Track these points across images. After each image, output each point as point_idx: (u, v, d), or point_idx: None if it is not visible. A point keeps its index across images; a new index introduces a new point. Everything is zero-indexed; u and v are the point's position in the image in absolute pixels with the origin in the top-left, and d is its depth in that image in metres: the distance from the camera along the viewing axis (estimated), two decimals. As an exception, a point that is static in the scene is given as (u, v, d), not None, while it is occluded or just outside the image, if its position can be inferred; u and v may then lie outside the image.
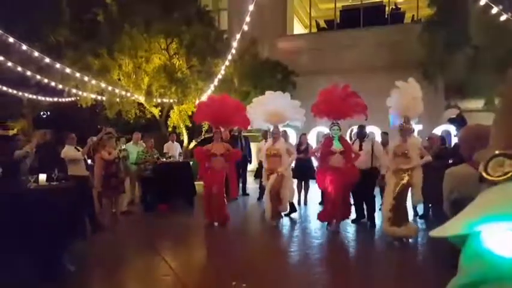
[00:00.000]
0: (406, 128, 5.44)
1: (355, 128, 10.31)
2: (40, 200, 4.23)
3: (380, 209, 6.10)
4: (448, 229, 0.61)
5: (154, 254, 5.04)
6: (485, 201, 0.63)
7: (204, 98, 12.24)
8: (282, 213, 6.76)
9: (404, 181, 5.31)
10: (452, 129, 10.43)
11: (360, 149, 6.30)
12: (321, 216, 6.16)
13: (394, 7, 15.68)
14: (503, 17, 8.85)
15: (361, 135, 6.56)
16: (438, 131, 10.44)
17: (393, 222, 5.30)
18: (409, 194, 5.45)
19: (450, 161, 6.34)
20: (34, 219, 4.00)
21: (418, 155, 5.39)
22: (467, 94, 11.51)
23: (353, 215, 6.51)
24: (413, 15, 14.95)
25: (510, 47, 9.31)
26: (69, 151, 6.08)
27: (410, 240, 5.47)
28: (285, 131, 7.21)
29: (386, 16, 15.22)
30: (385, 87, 5.89)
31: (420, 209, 7.03)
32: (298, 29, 17.69)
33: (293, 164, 7.12)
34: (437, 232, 0.62)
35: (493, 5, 8.79)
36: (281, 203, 6.44)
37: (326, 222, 6.18)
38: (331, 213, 6.00)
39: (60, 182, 4.82)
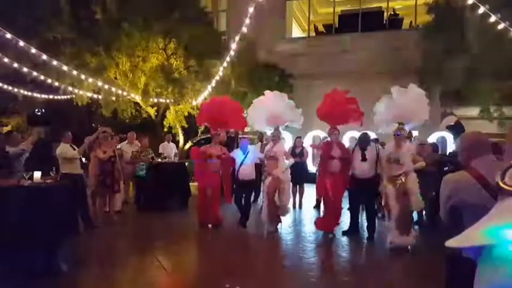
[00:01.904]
0: (401, 135, 5.44)
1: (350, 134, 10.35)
2: (33, 197, 4.16)
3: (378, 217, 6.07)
4: (469, 239, 0.57)
5: (147, 254, 5.00)
6: (510, 208, 0.60)
7: (201, 98, 12.22)
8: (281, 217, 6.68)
9: (398, 186, 5.30)
10: (448, 136, 10.45)
11: (363, 158, 5.85)
12: (319, 224, 6.11)
13: (392, 13, 15.72)
14: (501, 26, 8.89)
15: (365, 143, 5.97)
16: (434, 137, 10.47)
17: (399, 231, 5.28)
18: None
19: (446, 168, 6.35)
20: (27, 217, 3.94)
21: (411, 161, 5.39)
22: (464, 101, 11.56)
23: (345, 225, 6.41)
24: (411, 22, 15.00)
25: (507, 55, 9.36)
26: (66, 150, 6.01)
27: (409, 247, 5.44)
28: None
29: (384, 22, 15.27)
30: (382, 93, 5.87)
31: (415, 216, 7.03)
32: (297, 32, 17.70)
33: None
34: (456, 242, 0.58)
35: (491, 14, 8.83)
36: (278, 206, 6.38)
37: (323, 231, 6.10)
38: (331, 220, 5.96)
39: (54, 180, 4.75)
